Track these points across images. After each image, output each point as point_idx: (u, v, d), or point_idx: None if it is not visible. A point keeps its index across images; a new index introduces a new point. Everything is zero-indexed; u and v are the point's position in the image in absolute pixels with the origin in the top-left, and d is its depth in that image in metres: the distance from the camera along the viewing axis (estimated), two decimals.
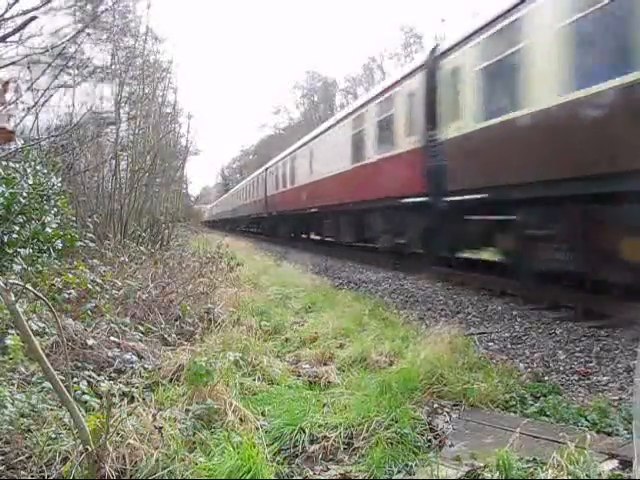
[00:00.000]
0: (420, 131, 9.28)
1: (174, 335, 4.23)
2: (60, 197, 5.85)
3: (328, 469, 2.40)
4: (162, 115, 12.20)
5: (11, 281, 2.77)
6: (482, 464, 2.25)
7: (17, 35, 4.38)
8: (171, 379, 3.16)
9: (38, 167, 5.57)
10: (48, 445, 2.18)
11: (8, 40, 4.50)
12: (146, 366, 3.34)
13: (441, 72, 8.69)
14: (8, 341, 2.86)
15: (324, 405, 2.91)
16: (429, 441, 2.60)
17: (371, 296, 7.36)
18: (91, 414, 2.38)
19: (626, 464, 2.23)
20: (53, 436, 2.25)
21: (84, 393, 2.66)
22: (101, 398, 2.63)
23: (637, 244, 4.97)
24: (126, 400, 2.55)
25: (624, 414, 2.88)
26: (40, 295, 2.42)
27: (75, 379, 2.77)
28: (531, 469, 2.19)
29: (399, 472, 2.32)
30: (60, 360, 2.79)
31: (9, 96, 1.82)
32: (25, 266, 4.32)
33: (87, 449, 1.99)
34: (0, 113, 1.80)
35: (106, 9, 9.07)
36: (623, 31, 5.13)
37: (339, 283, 8.97)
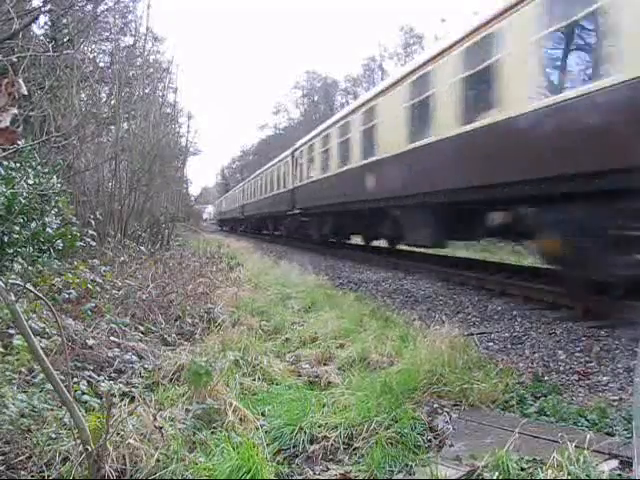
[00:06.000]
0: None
1: (174, 335, 4.24)
2: (60, 197, 5.86)
3: (328, 469, 2.40)
4: (162, 115, 12.19)
5: (11, 281, 2.78)
6: (482, 464, 2.25)
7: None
8: (171, 379, 3.16)
9: (38, 167, 5.58)
10: (48, 445, 2.18)
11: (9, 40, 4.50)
12: (146, 366, 3.34)
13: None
14: (16, 341, 2.87)
15: (324, 405, 2.90)
16: (429, 441, 2.60)
17: (371, 296, 7.37)
18: (91, 414, 2.39)
19: (626, 464, 2.24)
20: (53, 436, 2.25)
21: (84, 393, 2.66)
22: (101, 398, 2.64)
23: None
24: (126, 400, 2.55)
25: (624, 414, 2.88)
26: (40, 295, 2.43)
27: (75, 379, 2.77)
28: (531, 469, 2.19)
29: (399, 472, 2.32)
30: (60, 360, 2.79)
31: (10, 97, 1.81)
32: (25, 266, 4.32)
33: (87, 449, 1.99)
34: (2, 113, 1.79)
35: (106, 9, 9.07)
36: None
37: (339, 283, 8.97)
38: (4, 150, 2.56)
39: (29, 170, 5.28)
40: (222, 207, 53.72)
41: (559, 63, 6.18)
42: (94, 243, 6.32)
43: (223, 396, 2.81)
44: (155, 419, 2.32)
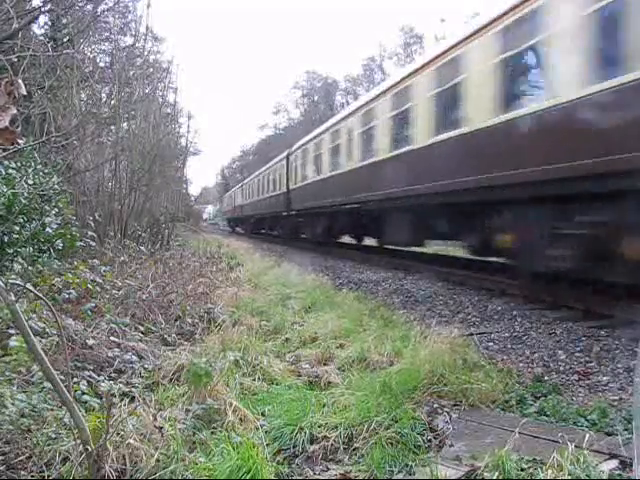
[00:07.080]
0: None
1: (174, 335, 4.24)
2: (60, 197, 5.86)
3: (328, 469, 2.40)
4: (162, 115, 12.19)
5: (11, 281, 2.77)
6: (482, 464, 2.25)
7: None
8: (171, 379, 3.16)
9: (38, 167, 5.58)
10: (48, 445, 2.18)
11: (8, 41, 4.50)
12: (146, 366, 3.34)
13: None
14: (12, 342, 2.86)
15: (324, 405, 2.90)
16: (429, 441, 2.60)
17: (371, 296, 7.37)
18: (91, 414, 2.39)
19: (626, 464, 2.24)
20: (53, 436, 2.24)
21: (84, 393, 2.66)
22: (101, 398, 2.63)
23: None
24: (126, 400, 2.55)
25: (624, 414, 2.88)
26: (40, 295, 2.42)
27: (75, 379, 2.77)
28: (531, 469, 2.19)
29: (399, 472, 2.32)
30: (60, 360, 2.78)
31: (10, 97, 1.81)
32: (25, 266, 4.32)
33: (87, 449, 1.99)
34: (2, 113, 1.79)
35: (106, 9, 9.07)
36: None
37: (339, 283, 8.96)
38: (4, 150, 2.56)
39: (29, 170, 5.28)
40: (237, 200, 39.93)
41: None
42: (94, 243, 6.32)
43: (223, 396, 2.81)
44: (155, 419, 2.32)
